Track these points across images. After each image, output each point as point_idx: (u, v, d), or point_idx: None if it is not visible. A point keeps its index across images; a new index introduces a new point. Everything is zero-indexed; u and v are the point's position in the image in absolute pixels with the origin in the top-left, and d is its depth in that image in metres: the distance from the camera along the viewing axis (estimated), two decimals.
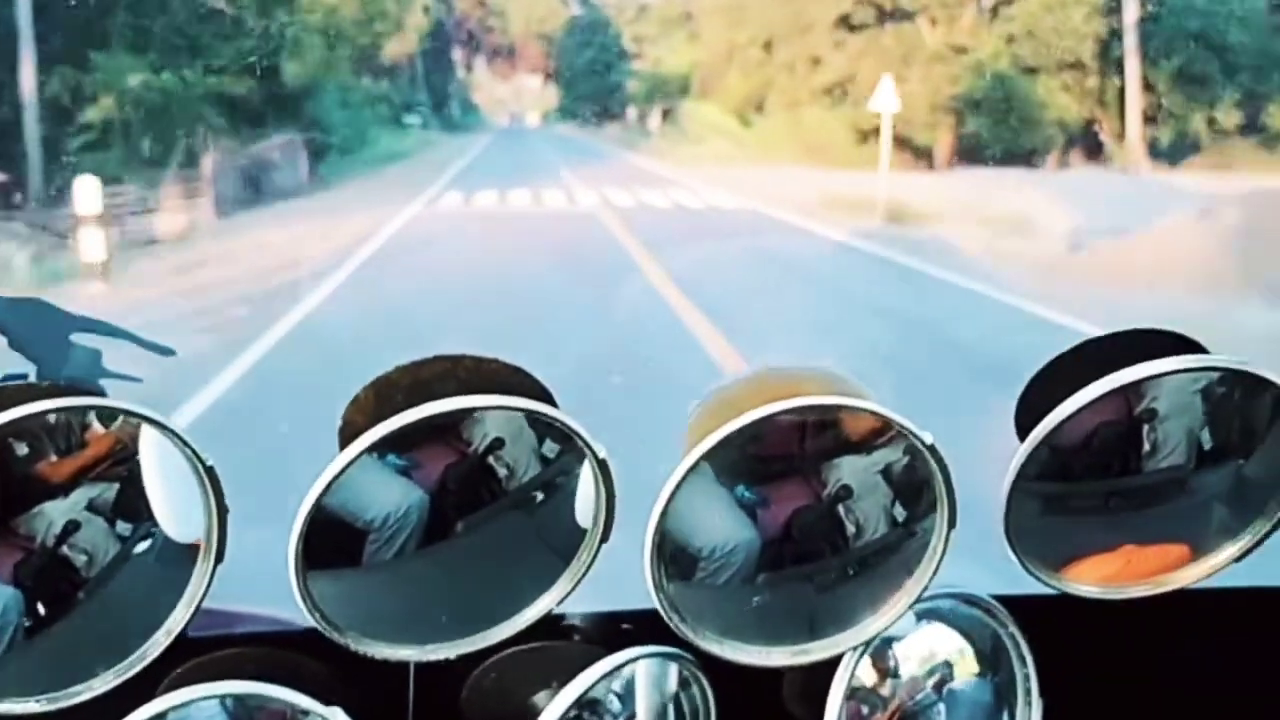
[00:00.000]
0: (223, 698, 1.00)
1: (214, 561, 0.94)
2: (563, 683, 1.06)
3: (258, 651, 1.07)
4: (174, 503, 0.94)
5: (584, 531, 1.04)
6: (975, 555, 1.10)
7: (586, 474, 1.00)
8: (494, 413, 0.99)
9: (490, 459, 1.01)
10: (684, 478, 0.96)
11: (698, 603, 1.03)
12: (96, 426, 0.94)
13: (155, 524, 0.96)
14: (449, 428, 0.98)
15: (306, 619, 1.17)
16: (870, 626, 1.05)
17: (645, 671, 1.10)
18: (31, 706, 0.90)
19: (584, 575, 1.02)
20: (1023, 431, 1.01)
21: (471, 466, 1.01)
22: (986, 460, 1.08)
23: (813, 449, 1.04)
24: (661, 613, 0.99)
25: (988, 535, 1.06)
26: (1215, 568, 1.11)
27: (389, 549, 0.99)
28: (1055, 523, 1.07)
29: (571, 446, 1.01)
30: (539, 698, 1.10)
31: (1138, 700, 1.26)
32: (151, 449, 0.92)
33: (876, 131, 14.84)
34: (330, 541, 0.96)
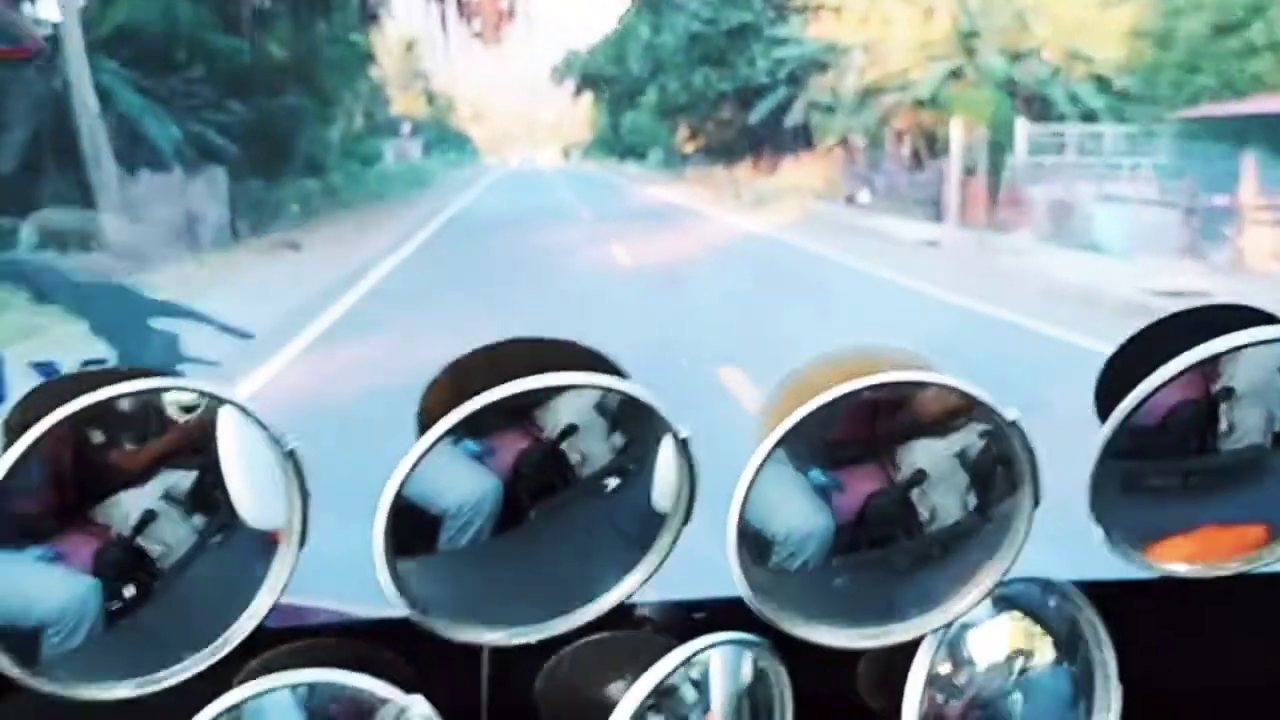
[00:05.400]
0: (299, 687, 1.00)
1: (296, 547, 0.94)
2: (637, 672, 1.05)
3: (332, 642, 1.07)
4: (253, 488, 0.94)
5: (658, 518, 1.03)
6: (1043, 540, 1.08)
7: (666, 456, 0.99)
8: (567, 399, 0.99)
9: (563, 445, 1.01)
10: (765, 460, 0.95)
11: (774, 587, 1.02)
12: (173, 414, 0.94)
13: (232, 514, 0.96)
14: (524, 413, 0.98)
15: (372, 613, 1.18)
16: (954, 607, 1.04)
17: (720, 660, 1.09)
18: (121, 691, 0.91)
19: (666, 557, 1.01)
20: (1103, 410, 1.00)
21: (545, 453, 1.00)
22: None
23: (886, 432, 1.03)
24: (746, 597, 0.98)
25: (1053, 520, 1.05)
26: None
27: (463, 536, 0.99)
28: (1134, 503, 1.05)
29: (645, 433, 1.00)
30: (613, 688, 1.09)
31: (1216, 685, 1.24)
32: (230, 433, 0.92)
33: None
34: (405, 528, 0.95)
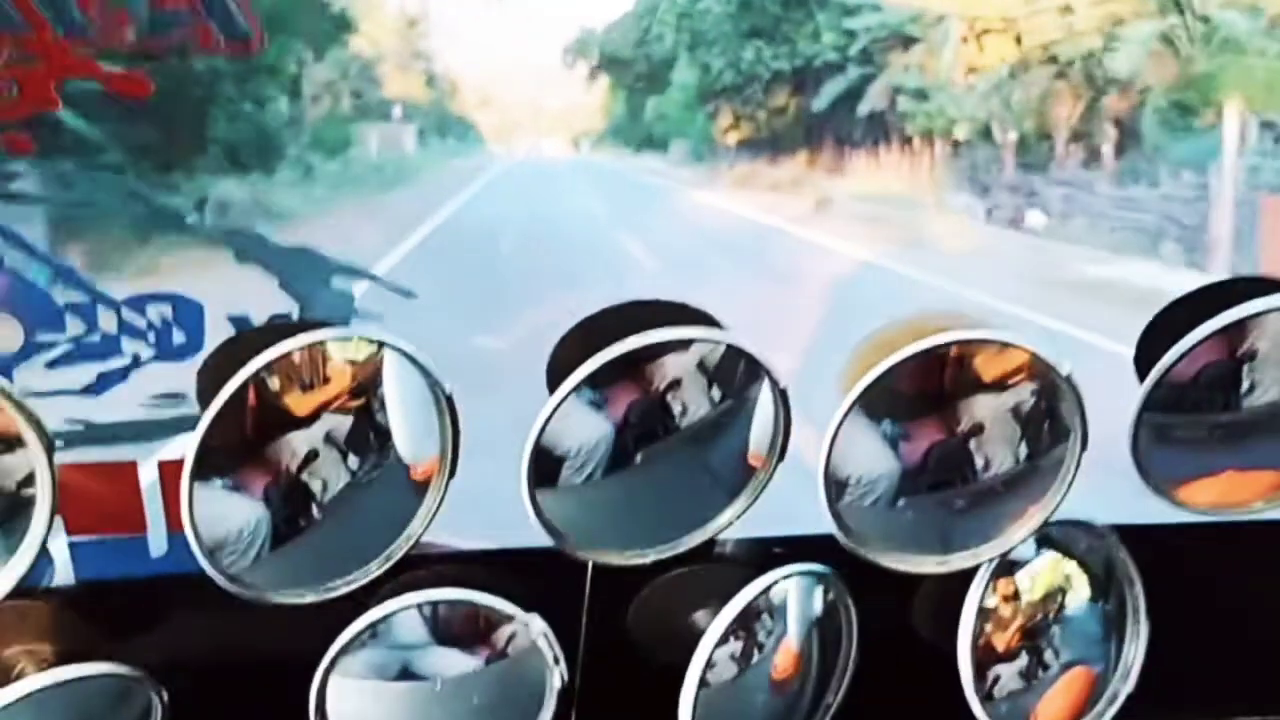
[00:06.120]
0: (431, 604, 1.14)
1: (448, 476, 1.08)
2: (722, 601, 1.19)
3: (456, 569, 1.21)
4: (408, 424, 1.08)
5: (747, 465, 1.17)
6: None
7: (764, 403, 1.13)
8: (673, 356, 1.13)
9: (668, 397, 1.15)
10: (847, 414, 1.09)
11: (848, 523, 1.16)
12: (336, 363, 1.08)
13: (386, 453, 1.10)
14: (637, 367, 1.12)
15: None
16: (1008, 540, 1.18)
17: (796, 590, 1.23)
18: (302, 597, 1.05)
19: (763, 490, 1.15)
20: (1141, 369, 1.14)
21: (652, 403, 1.14)
22: None
23: (950, 388, 1.17)
24: (834, 529, 1.12)
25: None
26: None
27: (580, 475, 1.13)
28: (1166, 451, 1.19)
29: (739, 388, 1.15)
30: (699, 615, 1.23)
31: (1237, 625, 1.38)
32: (393, 375, 1.06)
33: None
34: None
